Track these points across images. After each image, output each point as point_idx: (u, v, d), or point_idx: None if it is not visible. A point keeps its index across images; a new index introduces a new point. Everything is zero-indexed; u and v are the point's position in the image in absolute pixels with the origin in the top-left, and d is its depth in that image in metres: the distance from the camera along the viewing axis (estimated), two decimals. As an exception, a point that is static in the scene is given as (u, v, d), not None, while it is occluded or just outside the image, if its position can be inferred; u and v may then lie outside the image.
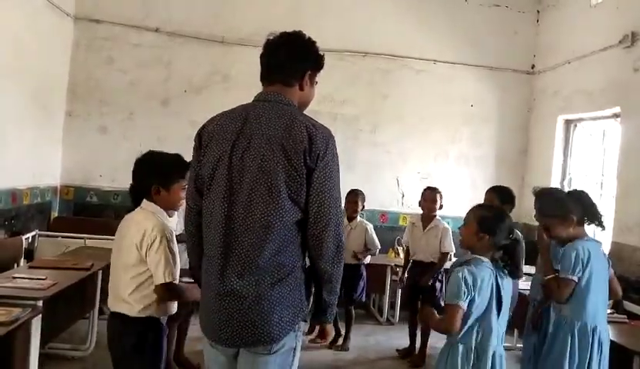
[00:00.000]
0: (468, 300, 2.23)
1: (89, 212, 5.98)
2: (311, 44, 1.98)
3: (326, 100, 6.25)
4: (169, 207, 2.39)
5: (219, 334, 1.81)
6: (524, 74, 6.56)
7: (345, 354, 4.60)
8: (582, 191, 2.87)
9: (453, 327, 2.25)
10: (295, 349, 1.85)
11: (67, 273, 3.50)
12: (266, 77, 1.95)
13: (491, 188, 3.89)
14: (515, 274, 2.35)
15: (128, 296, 2.23)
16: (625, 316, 3.79)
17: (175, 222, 3.56)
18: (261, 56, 1.97)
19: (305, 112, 1.98)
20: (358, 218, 4.79)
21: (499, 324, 2.32)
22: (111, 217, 5.94)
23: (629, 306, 4.19)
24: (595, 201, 2.85)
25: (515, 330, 4.71)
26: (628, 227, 4.69)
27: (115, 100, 6.04)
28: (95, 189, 6.05)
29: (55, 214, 5.91)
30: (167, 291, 2.24)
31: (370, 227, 4.78)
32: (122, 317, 2.25)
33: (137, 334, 2.24)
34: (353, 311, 4.78)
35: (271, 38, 1.96)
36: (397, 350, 4.64)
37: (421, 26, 6.35)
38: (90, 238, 4.87)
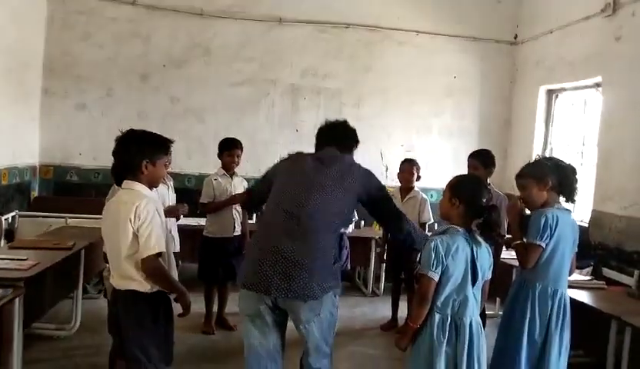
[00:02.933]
0: (439, 270, 2.26)
1: (70, 191, 5.90)
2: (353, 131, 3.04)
3: (309, 74, 6.19)
4: (154, 182, 2.42)
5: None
6: (506, 44, 6.54)
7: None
8: (570, 166, 2.85)
9: (425, 298, 2.28)
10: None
11: (48, 253, 3.46)
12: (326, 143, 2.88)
13: (471, 154, 3.93)
14: (493, 239, 2.37)
15: (136, 273, 2.29)
16: (604, 282, 3.87)
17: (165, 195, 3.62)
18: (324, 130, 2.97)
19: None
20: None
21: (474, 293, 2.33)
22: (92, 195, 5.88)
23: (608, 272, 4.29)
24: (576, 180, 2.83)
25: (497, 299, 4.80)
26: (608, 196, 4.76)
27: (93, 76, 5.92)
28: (75, 167, 5.96)
29: (34, 193, 5.82)
30: (153, 261, 2.27)
31: None
32: (133, 293, 2.31)
33: (150, 309, 2.33)
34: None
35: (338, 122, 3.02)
36: (380, 326, 4.63)
37: (404, -4, 6.28)
38: (71, 217, 4.82)
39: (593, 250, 4.66)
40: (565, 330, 2.75)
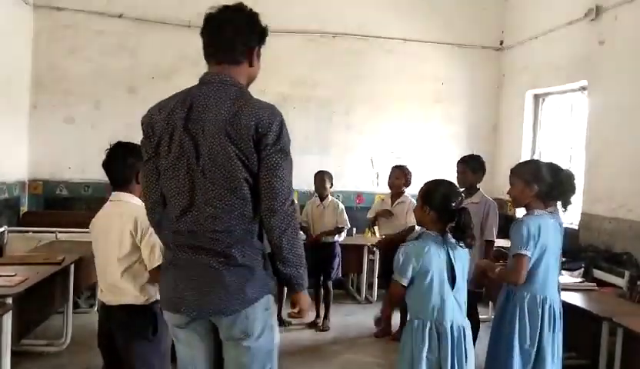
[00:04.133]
0: (409, 276, 2.27)
1: (60, 206, 5.85)
2: (256, 17, 1.89)
3: (299, 83, 6.20)
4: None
5: None
6: (492, 50, 6.60)
7: (325, 333, 4.65)
8: (567, 172, 2.83)
9: (393, 301, 2.36)
10: None
11: (38, 268, 3.43)
12: (212, 56, 1.87)
13: (460, 159, 3.98)
14: (464, 241, 2.31)
15: (132, 288, 2.29)
16: (595, 283, 3.90)
17: None
18: (203, 33, 1.88)
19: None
20: (330, 197, 4.85)
21: (455, 295, 2.32)
22: (83, 209, 5.83)
23: (598, 274, 4.31)
24: (573, 186, 2.80)
25: (490, 303, 4.81)
26: (597, 198, 4.80)
27: (81, 89, 5.89)
28: (65, 182, 5.92)
29: (24, 209, 5.76)
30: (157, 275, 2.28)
31: (342, 205, 4.85)
32: (130, 307, 2.30)
33: (150, 320, 2.31)
34: (332, 290, 4.83)
35: (213, 12, 1.87)
36: (374, 333, 4.52)
37: (390, 5, 6.32)
38: (62, 232, 4.78)
39: (583, 252, 4.68)
40: (557, 336, 2.72)
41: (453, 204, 2.32)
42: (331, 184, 4.90)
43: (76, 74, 5.88)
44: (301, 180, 5.21)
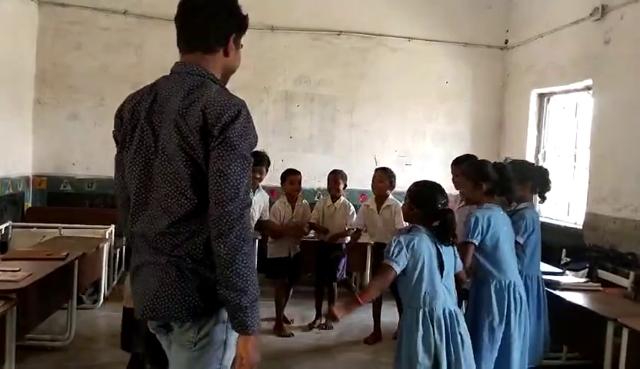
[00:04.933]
0: (401, 263, 2.39)
1: (64, 201, 5.87)
2: (234, 2, 1.73)
3: (302, 81, 6.20)
4: None
5: None
6: (497, 49, 6.58)
7: (328, 332, 4.64)
8: (522, 163, 3.16)
9: (382, 284, 2.46)
10: None
11: (42, 263, 3.44)
12: (185, 44, 1.71)
13: (453, 160, 3.90)
14: (447, 241, 2.48)
15: None
16: (599, 284, 3.87)
17: None
18: (177, 18, 1.73)
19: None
20: (342, 198, 4.79)
21: (444, 284, 2.46)
22: (86, 205, 5.85)
23: (603, 274, 4.29)
24: (545, 177, 3.20)
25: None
26: (602, 198, 4.78)
27: (85, 86, 5.90)
28: (69, 178, 5.93)
29: (28, 204, 5.78)
30: None
31: (352, 207, 4.80)
32: None
33: None
34: (336, 289, 4.83)
35: None
36: (364, 340, 4.46)
37: (395, 3, 6.31)
38: (65, 228, 4.79)
39: (588, 252, 4.67)
40: (524, 319, 2.87)
41: (439, 205, 2.50)
42: (345, 185, 4.78)
43: (81, 70, 5.89)
44: (305, 178, 5.20)
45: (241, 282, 1.49)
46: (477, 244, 2.83)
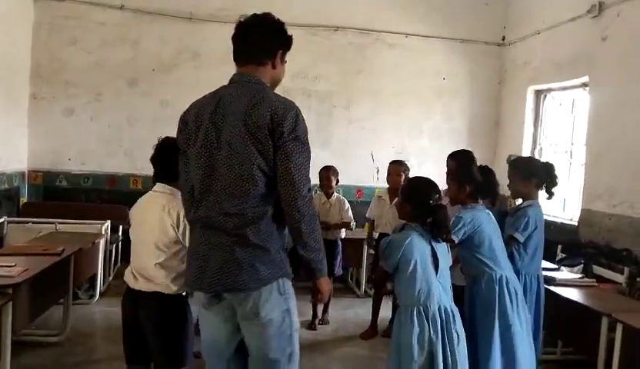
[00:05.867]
0: (394, 262, 2.41)
1: (59, 196, 5.85)
2: (280, 24, 2.07)
3: (299, 76, 6.18)
4: None
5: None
6: (494, 46, 6.58)
7: (324, 327, 4.64)
8: (528, 160, 3.28)
9: (377, 285, 2.47)
10: None
11: (37, 259, 3.42)
12: (240, 58, 2.04)
13: (449, 155, 3.89)
14: (439, 237, 2.47)
15: (165, 278, 2.35)
16: (594, 280, 3.90)
17: None
18: (234, 37, 2.05)
19: (276, 90, 2.10)
20: (335, 194, 4.80)
21: (439, 280, 2.46)
22: (82, 200, 5.84)
23: (598, 270, 4.31)
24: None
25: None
26: (598, 194, 4.80)
27: (81, 81, 5.88)
28: (65, 173, 5.91)
29: (24, 199, 5.77)
30: None
31: (347, 203, 4.81)
32: (159, 295, 2.36)
33: (177, 309, 2.39)
34: (332, 285, 4.81)
35: (242, 20, 2.05)
36: (360, 335, 4.43)
37: (392, -1, 6.31)
38: (61, 223, 4.77)
39: (583, 248, 4.69)
40: (522, 313, 2.85)
41: (430, 202, 2.48)
42: (337, 181, 4.77)
43: (77, 65, 5.86)
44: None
45: (317, 245, 1.92)
46: (456, 241, 2.82)
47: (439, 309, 2.41)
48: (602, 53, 4.86)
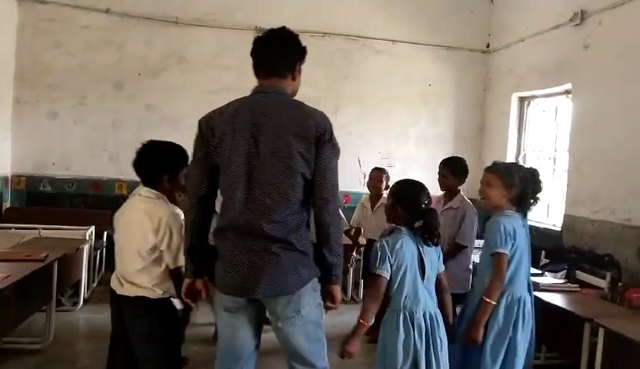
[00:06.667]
0: (388, 268, 2.35)
1: (43, 202, 5.78)
2: (295, 37, 2.18)
3: (286, 81, 6.18)
4: (171, 194, 2.47)
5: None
6: (479, 53, 6.66)
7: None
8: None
9: (376, 295, 2.37)
10: None
11: (20, 265, 3.38)
12: (262, 71, 2.13)
13: (441, 161, 3.93)
14: (431, 241, 2.42)
15: (148, 283, 2.33)
16: (577, 285, 3.94)
17: None
18: (254, 52, 2.16)
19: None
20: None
21: (425, 286, 2.42)
22: (66, 205, 5.77)
23: (581, 275, 4.36)
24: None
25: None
26: (580, 201, 4.87)
27: (65, 84, 5.83)
28: (49, 178, 5.85)
29: (6, 204, 5.69)
30: (179, 274, 2.33)
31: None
32: (144, 300, 2.33)
33: (162, 313, 2.35)
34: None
35: (261, 35, 2.16)
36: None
37: (380, 6, 6.36)
38: (45, 228, 4.71)
39: (566, 253, 4.75)
40: (526, 334, 2.68)
41: (422, 205, 2.45)
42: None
43: (61, 68, 5.81)
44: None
45: (341, 250, 2.10)
46: (508, 253, 2.60)
47: (424, 315, 2.38)
48: (584, 61, 4.94)
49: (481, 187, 2.82)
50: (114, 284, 2.44)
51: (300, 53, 2.18)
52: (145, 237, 2.31)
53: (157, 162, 2.39)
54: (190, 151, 3.96)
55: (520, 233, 2.67)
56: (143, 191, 2.42)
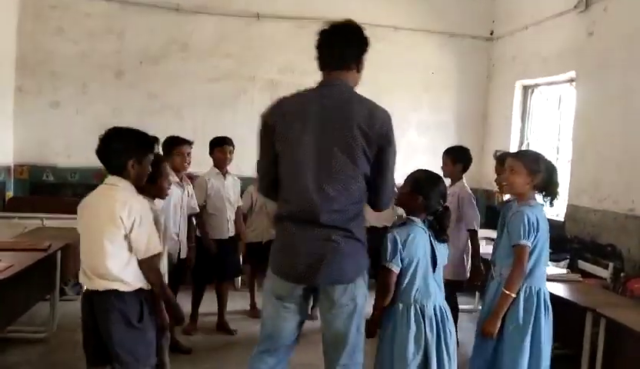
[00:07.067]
0: (399, 261, 2.31)
1: (46, 191, 5.78)
2: (360, 29, 2.21)
3: (287, 70, 6.15)
4: (139, 182, 2.36)
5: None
6: (482, 40, 6.60)
7: (311, 323, 4.63)
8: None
9: (386, 289, 2.33)
10: None
11: (23, 254, 3.39)
12: (328, 65, 2.17)
13: (445, 150, 3.94)
14: (442, 238, 2.42)
15: (118, 273, 2.24)
16: (579, 274, 3.95)
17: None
18: (319, 45, 2.18)
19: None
20: None
21: (435, 279, 2.40)
22: (69, 195, 5.77)
23: (583, 265, 4.37)
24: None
25: (477, 293, 4.86)
26: (583, 190, 4.85)
27: (67, 72, 5.80)
28: (51, 167, 5.84)
29: (9, 194, 5.69)
30: (152, 262, 2.28)
31: None
32: (115, 293, 2.25)
33: (135, 307, 2.28)
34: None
35: (326, 28, 2.18)
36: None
37: (381, -8, 6.29)
38: (48, 218, 4.73)
39: (569, 243, 4.74)
40: (548, 325, 2.66)
41: (441, 201, 2.41)
42: None
43: (62, 56, 5.79)
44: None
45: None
46: (531, 245, 2.57)
47: (434, 308, 2.34)
48: (589, 48, 4.90)
49: (504, 174, 2.79)
50: (82, 278, 2.35)
51: (365, 44, 2.21)
52: (114, 222, 2.21)
53: (121, 148, 2.31)
54: (186, 137, 3.98)
55: (542, 224, 2.64)
56: (109, 179, 2.33)
